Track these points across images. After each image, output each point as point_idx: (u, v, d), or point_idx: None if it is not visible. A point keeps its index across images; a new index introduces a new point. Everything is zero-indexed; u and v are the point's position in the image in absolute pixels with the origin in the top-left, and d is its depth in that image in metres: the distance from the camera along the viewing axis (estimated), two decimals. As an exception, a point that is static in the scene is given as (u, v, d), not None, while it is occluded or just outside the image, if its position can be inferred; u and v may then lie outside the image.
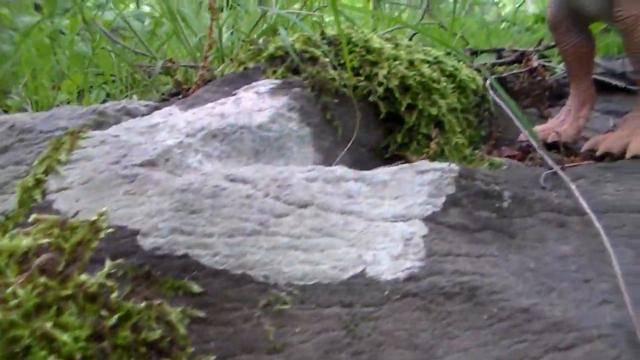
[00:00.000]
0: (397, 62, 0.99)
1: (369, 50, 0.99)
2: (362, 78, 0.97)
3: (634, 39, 1.03)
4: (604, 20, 1.17)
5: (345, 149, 0.91)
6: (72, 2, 1.56)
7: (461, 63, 1.20)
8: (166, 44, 1.46)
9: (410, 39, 1.14)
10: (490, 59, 1.58)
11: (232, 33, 1.31)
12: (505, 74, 1.40)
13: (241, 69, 0.98)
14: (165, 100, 1.11)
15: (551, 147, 1.17)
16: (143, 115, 0.91)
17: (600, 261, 0.70)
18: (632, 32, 1.02)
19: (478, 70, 1.35)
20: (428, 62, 1.08)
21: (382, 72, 0.96)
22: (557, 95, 1.49)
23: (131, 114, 0.91)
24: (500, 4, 4.60)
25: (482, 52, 1.63)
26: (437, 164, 0.79)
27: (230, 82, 0.97)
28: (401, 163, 0.95)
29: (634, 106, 1.12)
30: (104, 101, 1.20)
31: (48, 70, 1.33)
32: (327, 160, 0.90)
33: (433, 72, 1.04)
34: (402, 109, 0.96)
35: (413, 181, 0.76)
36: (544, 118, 1.38)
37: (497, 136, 1.21)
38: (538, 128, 1.21)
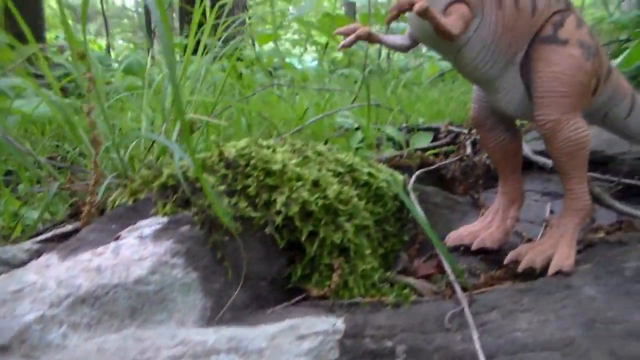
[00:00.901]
0: (299, 184, 0.93)
1: (268, 173, 0.93)
2: (259, 207, 0.91)
3: (556, 144, 0.99)
4: (528, 120, 1.12)
5: (239, 289, 0.85)
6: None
7: (381, 164, 1.15)
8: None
9: (326, 143, 1.08)
10: (426, 139, 1.54)
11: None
12: (437, 164, 1.35)
13: (132, 200, 0.92)
14: (62, 223, 1.05)
15: (477, 251, 1.12)
16: (21, 263, 0.85)
17: None
18: (553, 137, 0.98)
19: (403, 167, 1.31)
20: (340, 173, 1.03)
21: (281, 199, 0.91)
22: (495, 177, 1.44)
23: (8, 263, 0.85)
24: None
25: (419, 129, 1.58)
26: (320, 324, 0.73)
27: (118, 217, 0.91)
28: (301, 299, 0.90)
29: (562, 208, 1.07)
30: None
31: None
32: (220, 303, 0.85)
33: (342, 187, 0.98)
34: (303, 238, 0.90)
35: (290, 350, 0.70)
36: (478, 207, 1.32)
37: (422, 239, 1.15)
38: (464, 232, 1.15)
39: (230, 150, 0.97)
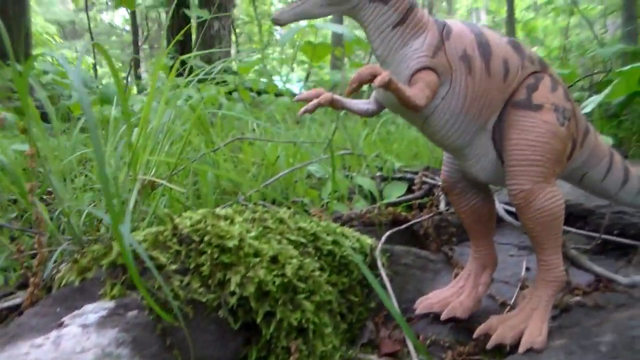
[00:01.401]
0: (257, 260, 0.89)
1: (223, 250, 0.89)
2: (212, 287, 0.86)
3: (529, 214, 0.95)
4: (502, 187, 1.08)
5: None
6: None
7: (349, 228, 1.10)
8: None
9: (289, 208, 1.04)
10: (400, 190, 1.50)
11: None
12: (409, 221, 1.31)
13: (79, 279, 0.87)
14: (11, 294, 1.00)
15: (448, 319, 1.08)
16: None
17: None
18: (526, 207, 0.95)
19: (375, 224, 1.27)
20: (302, 243, 0.99)
21: (236, 279, 0.86)
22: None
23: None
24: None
25: (393, 178, 1.54)
26: None
27: (63, 299, 0.86)
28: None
29: (535, 278, 1.03)
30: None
31: None
32: (169, 393, 0.79)
33: (304, 260, 0.94)
34: (259, 319, 0.86)
35: None
36: (452, 265, 1.28)
37: (392, 304, 1.11)
38: (434, 298, 1.11)
39: (185, 223, 0.92)
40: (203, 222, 0.93)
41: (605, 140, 2.10)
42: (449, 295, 1.10)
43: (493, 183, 1.03)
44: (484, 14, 25.74)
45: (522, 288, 1.24)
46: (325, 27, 3.30)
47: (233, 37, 9.50)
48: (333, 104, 0.90)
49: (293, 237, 0.98)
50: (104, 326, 0.80)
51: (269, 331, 0.86)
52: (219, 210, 0.98)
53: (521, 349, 0.94)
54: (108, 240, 0.93)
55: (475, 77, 0.91)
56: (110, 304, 0.83)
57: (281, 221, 1.01)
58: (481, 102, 0.93)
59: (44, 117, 4.91)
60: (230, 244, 0.89)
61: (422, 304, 1.10)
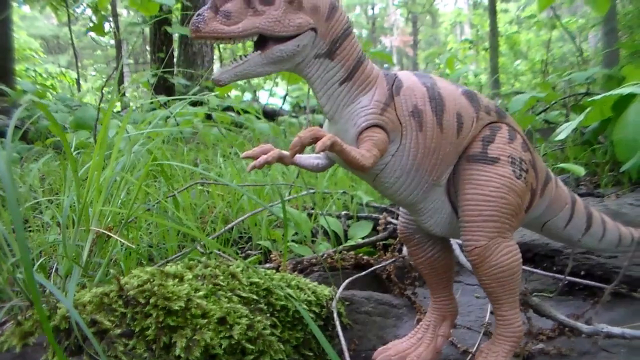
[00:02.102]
0: (204, 322, 0.87)
1: (169, 312, 0.87)
2: (157, 351, 0.84)
3: (485, 270, 0.94)
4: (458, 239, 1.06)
5: None
6: None
7: (305, 279, 1.09)
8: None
9: (247, 257, 1.02)
10: (366, 229, 1.49)
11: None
12: (371, 267, 1.30)
13: (21, 345, 0.85)
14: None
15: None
16: None
17: None
18: (481, 263, 0.93)
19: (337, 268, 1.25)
20: (253, 300, 0.97)
21: (181, 343, 0.84)
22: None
23: None
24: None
25: (359, 217, 1.53)
26: None
27: (3, 366, 0.84)
28: None
29: (493, 334, 1.01)
30: None
31: None
32: None
33: (254, 319, 0.92)
34: (206, 385, 0.84)
35: None
36: (415, 310, 1.27)
37: (350, 355, 1.09)
38: (392, 350, 1.09)
39: (132, 283, 0.90)
40: (150, 282, 0.91)
41: (577, 171, 2.11)
42: (407, 347, 1.09)
43: (448, 237, 1.02)
44: (467, 28, 26.00)
45: (485, 334, 1.23)
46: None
47: (217, 53, 9.48)
48: (281, 161, 0.87)
49: (244, 294, 0.96)
50: (42, 398, 0.77)
51: (216, 397, 0.84)
52: (168, 268, 0.96)
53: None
54: (54, 301, 0.91)
55: (426, 133, 0.90)
56: (50, 372, 0.81)
57: (233, 276, 1.00)
58: (433, 157, 0.91)
59: (24, 137, 4.83)
60: (176, 305, 0.87)
61: (380, 357, 1.08)
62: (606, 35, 8.74)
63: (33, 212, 1.65)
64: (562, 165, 2.13)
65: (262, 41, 0.82)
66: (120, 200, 1.20)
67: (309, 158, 0.94)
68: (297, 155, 0.92)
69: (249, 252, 1.50)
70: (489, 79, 17.24)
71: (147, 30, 9.00)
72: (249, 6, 0.80)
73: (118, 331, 0.85)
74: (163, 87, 7.26)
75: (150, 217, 1.21)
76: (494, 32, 16.81)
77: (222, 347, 0.86)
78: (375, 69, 0.90)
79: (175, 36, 9.13)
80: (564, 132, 2.55)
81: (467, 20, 25.78)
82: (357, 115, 0.86)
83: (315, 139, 0.78)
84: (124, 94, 11.19)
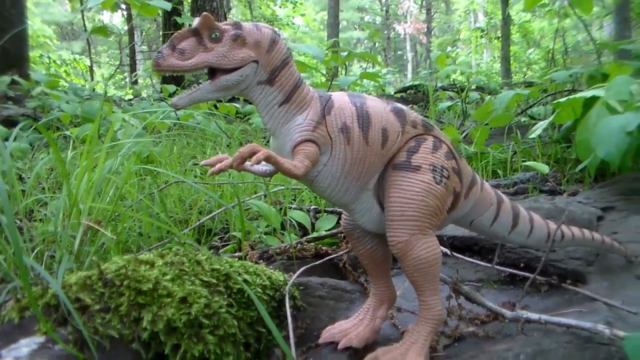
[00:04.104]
0: (168, 301, 1.06)
1: (139, 292, 1.06)
2: (128, 323, 1.03)
3: (407, 262, 1.10)
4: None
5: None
6: None
7: (262, 267, 1.27)
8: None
9: (217, 249, 1.20)
10: (331, 222, 1.66)
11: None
12: (330, 255, 1.48)
13: (18, 317, 1.04)
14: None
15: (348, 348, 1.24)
16: None
17: None
18: (404, 256, 1.09)
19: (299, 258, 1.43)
20: (213, 284, 1.16)
21: (148, 317, 1.03)
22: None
23: None
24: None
25: (325, 211, 1.71)
26: None
27: (4, 334, 1.03)
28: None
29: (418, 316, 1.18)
30: None
31: None
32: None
33: (213, 298, 1.11)
34: (167, 350, 1.03)
35: None
36: (366, 295, 1.45)
37: (300, 333, 1.28)
38: (337, 329, 1.26)
39: (111, 268, 1.09)
40: (126, 267, 1.10)
41: (541, 169, 2.27)
42: (349, 327, 1.26)
43: (379, 232, 1.19)
44: (481, 15, 25.90)
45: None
46: (297, 48, 3.47)
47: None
48: (234, 168, 1.05)
49: (206, 278, 1.15)
50: (34, 357, 0.97)
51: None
52: (142, 256, 1.15)
53: (398, 381, 1.09)
54: (46, 283, 1.10)
55: (353, 146, 1.07)
56: (42, 338, 1.00)
57: (198, 263, 1.18)
58: (360, 167, 1.08)
59: (35, 127, 5.05)
60: (145, 287, 1.06)
61: (326, 335, 1.26)
62: (619, 24, 8.74)
63: (38, 204, 1.84)
64: (527, 163, 2.29)
65: (213, 72, 1.00)
66: (108, 197, 1.39)
67: (258, 165, 1.12)
68: (248, 164, 1.10)
69: (228, 242, 1.69)
70: (501, 68, 17.30)
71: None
72: (201, 44, 0.98)
73: (97, 307, 1.04)
74: (172, 76, 7.49)
75: (132, 214, 1.41)
76: (505, 20, 16.80)
77: (182, 321, 1.05)
78: (311, 91, 1.08)
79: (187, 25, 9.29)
80: (537, 130, 2.70)
81: (481, 7, 25.65)
82: (293, 131, 1.04)
83: (252, 154, 0.96)
84: (135, 82, 11.46)
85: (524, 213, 1.35)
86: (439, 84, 8.14)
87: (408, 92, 10.35)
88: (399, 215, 1.09)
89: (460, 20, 29.02)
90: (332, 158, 1.07)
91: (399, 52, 35.17)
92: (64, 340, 1.00)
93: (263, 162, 1.11)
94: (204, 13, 0.98)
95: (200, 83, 1.01)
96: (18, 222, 1.34)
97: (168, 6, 2.44)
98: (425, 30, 31.15)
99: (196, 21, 0.99)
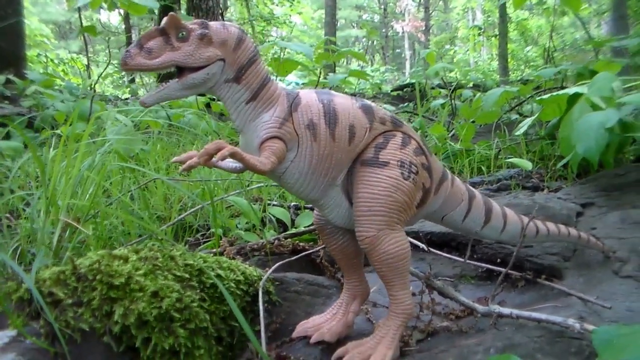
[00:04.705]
0: (139, 295, 1.08)
1: (111, 286, 1.08)
2: (100, 317, 1.05)
3: (375, 256, 1.12)
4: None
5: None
6: None
7: (236, 262, 1.29)
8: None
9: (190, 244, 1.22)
10: (310, 219, 1.68)
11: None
12: (307, 251, 1.50)
13: (-9, 315, 1.06)
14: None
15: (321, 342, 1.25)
16: None
17: None
18: (372, 250, 1.11)
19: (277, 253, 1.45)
20: (186, 278, 1.18)
21: (119, 311, 1.05)
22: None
23: None
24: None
25: (305, 208, 1.73)
26: None
27: (-24, 330, 1.05)
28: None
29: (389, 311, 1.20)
30: None
31: None
32: (59, 405, 0.98)
33: (185, 293, 1.13)
34: (137, 343, 1.05)
35: None
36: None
37: (275, 327, 1.30)
38: (311, 323, 1.28)
39: (85, 263, 1.11)
40: (99, 262, 1.12)
41: (525, 165, 2.29)
42: (323, 321, 1.28)
43: (349, 227, 1.21)
44: (479, 13, 25.91)
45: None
46: (287, 46, 3.49)
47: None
48: (202, 164, 1.06)
49: (179, 273, 1.17)
50: (5, 351, 0.99)
51: (146, 353, 1.05)
52: (117, 251, 1.17)
53: (365, 372, 1.11)
54: (20, 278, 1.12)
55: (320, 142, 1.09)
56: (14, 332, 1.02)
57: (172, 258, 1.20)
58: (327, 162, 1.10)
59: (30, 125, 5.06)
60: (118, 281, 1.08)
61: (299, 329, 1.28)
62: (616, 21, 8.74)
63: (23, 201, 1.86)
64: (511, 160, 2.31)
65: (181, 70, 1.02)
66: (87, 194, 1.41)
67: (228, 162, 1.13)
68: (217, 161, 1.11)
69: (209, 238, 1.71)
70: (499, 66, 17.30)
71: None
72: (168, 43, 0.99)
73: (70, 301, 1.06)
74: (168, 74, 7.50)
75: (110, 210, 1.43)
76: (503, 18, 16.79)
77: (153, 315, 1.07)
78: (279, 89, 1.10)
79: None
80: (523, 127, 2.72)
81: (479, 5, 25.66)
82: (260, 128, 1.06)
83: (218, 150, 0.98)
84: (132, 80, 11.45)
85: (497, 209, 1.37)
86: (436, 82, 8.16)
87: (405, 90, 10.39)
88: (366, 211, 1.10)
89: (458, 18, 29.03)
90: (299, 154, 1.08)
91: (397, 50, 35.16)
92: (36, 334, 1.02)
93: (232, 160, 1.13)
94: (171, 13, 1.00)
95: (168, 82, 1.02)
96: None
97: (156, 5, 2.45)
98: (424, 28, 31.14)
99: (163, 21, 1.01)
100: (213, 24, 1.04)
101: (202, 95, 4.50)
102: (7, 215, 1.76)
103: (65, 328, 1.03)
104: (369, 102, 1.18)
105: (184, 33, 1.01)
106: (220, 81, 1.05)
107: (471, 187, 1.36)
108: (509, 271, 1.61)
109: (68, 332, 1.02)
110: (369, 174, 1.11)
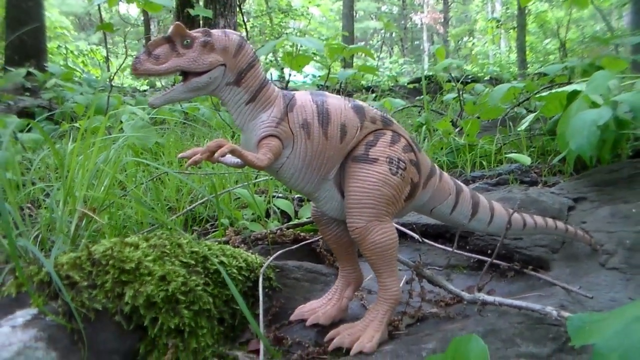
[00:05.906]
0: (148, 279, 1.19)
1: (122, 271, 1.19)
2: (112, 298, 1.17)
3: (365, 246, 1.21)
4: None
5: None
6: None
7: (239, 250, 1.39)
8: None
9: (202, 234, 1.33)
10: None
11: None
12: (307, 240, 1.59)
13: (16, 292, 1.18)
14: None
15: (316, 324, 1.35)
16: None
17: None
18: (361, 240, 1.21)
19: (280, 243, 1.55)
20: (192, 264, 1.28)
21: (129, 293, 1.16)
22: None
23: None
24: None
25: (308, 200, 1.82)
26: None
27: (3, 306, 1.17)
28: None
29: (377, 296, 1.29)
30: None
31: None
32: (76, 376, 1.10)
33: (190, 277, 1.24)
34: (146, 322, 1.16)
35: None
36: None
37: (275, 311, 1.40)
38: (307, 307, 1.39)
39: (99, 249, 1.23)
40: (112, 249, 1.23)
41: (524, 160, 2.36)
42: (318, 306, 1.39)
43: (342, 218, 1.30)
44: (498, 5, 25.70)
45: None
46: (298, 42, 3.58)
47: (243, 33, 9.78)
48: (204, 160, 1.15)
49: (185, 260, 1.28)
50: (28, 327, 1.10)
51: (154, 332, 1.16)
52: (128, 239, 1.28)
53: (352, 352, 1.20)
54: (41, 262, 1.24)
55: (313, 140, 1.18)
56: (35, 310, 1.14)
57: (179, 246, 1.31)
58: (320, 159, 1.20)
59: (50, 118, 5.20)
60: (128, 266, 1.19)
61: (297, 312, 1.39)
62: (636, 14, 8.64)
63: (43, 192, 1.99)
64: (510, 155, 2.38)
65: (185, 75, 1.13)
66: (103, 186, 1.52)
67: (231, 158, 1.23)
68: (220, 156, 1.21)
69: (217, 228, 1.82)
70: (517, 59, 17.21)
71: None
72: (174, 50, 1.10)
73: (85, 283, 1.17)
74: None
75: (124, 201, 1.54)
76: (521, 10, 16.67)
77: (160, 297, 1.18)
78: (276, 91, 1.19)
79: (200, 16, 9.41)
80: (526, 123, 2.79)
81: (498, -3, 25.44)
82: (259, 127, 1.16)
83: (218, 147, 1.08)
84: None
85: (484, 202, 1.45)
86: (453, 74, 8.19)
87: (421, 82, 10.40)
88: (356, 203, 1.20)
89: (477, 10, 28.81)
90: (293, 151, 1.18)
91: (416, 42, 34.99)
92: (55, 312, 1.14)
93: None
94: (176, 22, 1.10)
95: (174, 85, 1.13)
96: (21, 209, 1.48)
97: (171, 3, 2.55)
98: (442, 20, 30.98)
99: (170, 30, 1.11)
100: (215, 31, 1.14)
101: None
102: (29, 205, 1.88)
103: (80, 307, 1.14)
104: (360, 102, 1.27)
105: (189, 41, 1.11)
106: (221, 84, 1.15)
107: (459, 182, 1.45)
108: (498, 262, 1.70)
109: (83, 311, 1.13)
110: (359, 169, 1.20)
